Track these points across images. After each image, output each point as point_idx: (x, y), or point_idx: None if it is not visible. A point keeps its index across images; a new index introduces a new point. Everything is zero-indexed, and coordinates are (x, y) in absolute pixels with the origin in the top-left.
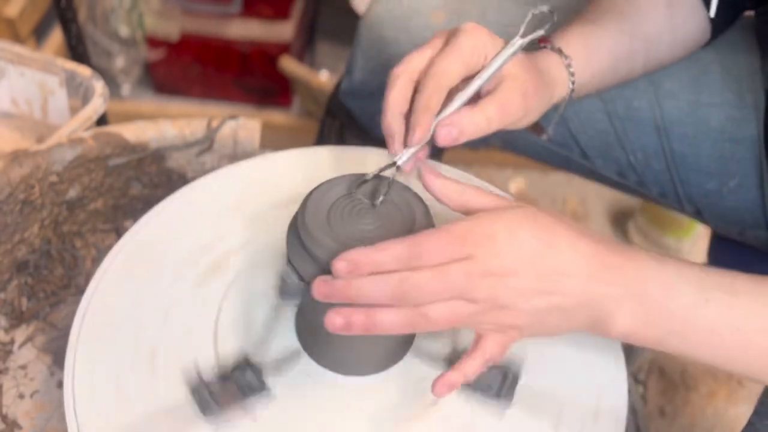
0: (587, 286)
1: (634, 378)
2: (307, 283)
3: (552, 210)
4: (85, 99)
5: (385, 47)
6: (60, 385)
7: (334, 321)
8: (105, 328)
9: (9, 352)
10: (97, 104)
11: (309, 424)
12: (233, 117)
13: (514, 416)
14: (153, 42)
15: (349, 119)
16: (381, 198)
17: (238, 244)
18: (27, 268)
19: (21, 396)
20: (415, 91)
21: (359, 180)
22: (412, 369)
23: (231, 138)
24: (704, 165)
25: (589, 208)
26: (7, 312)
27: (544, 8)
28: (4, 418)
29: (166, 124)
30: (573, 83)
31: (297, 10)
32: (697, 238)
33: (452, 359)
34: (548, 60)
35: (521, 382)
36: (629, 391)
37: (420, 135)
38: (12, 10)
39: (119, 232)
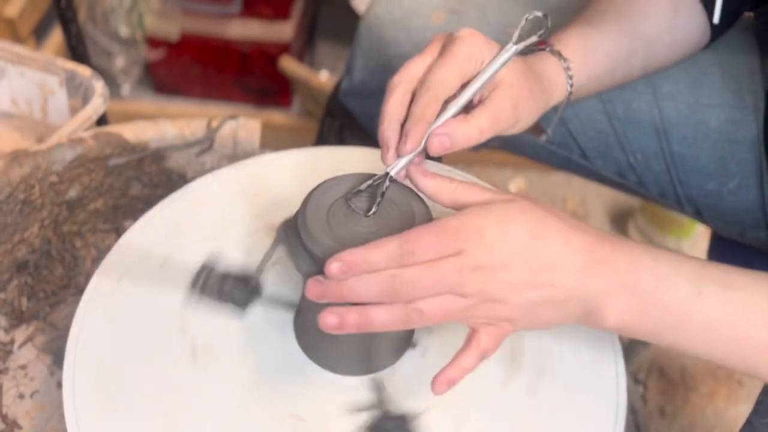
0: (579, 279)
1: (634, 378)
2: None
3: (545, 203)
4: (85, 99)
5: (385, 48)
6: (60, 385)
7: (328, 320)
8: (105, 328)
9: (9, 352)
10: (97, 104)
11: (308, 424)
12: (233, 117)
13: (514, 416)
14: (153, 42)
15: (349, 119)
16: (374, 210)
17: (238, 244)
18: (27, 268)
19: (21, 396)
20: (413, 99)
21: (353, 191)
22: (412, 368)
23: (231, 138)
24: (704, 166)
25: (589, 208)
26: (7, 312)
27: (538, 13)
28: (4, 418)
29: (166, 124)
30: (571, 86)
31: (297, 10)
32: (697, 238)
33: None
34: (546, 63)
35: (521, 382)
36: (629, 391)
37: (412, 145)
38: (12, 10)
39: (119, 232)
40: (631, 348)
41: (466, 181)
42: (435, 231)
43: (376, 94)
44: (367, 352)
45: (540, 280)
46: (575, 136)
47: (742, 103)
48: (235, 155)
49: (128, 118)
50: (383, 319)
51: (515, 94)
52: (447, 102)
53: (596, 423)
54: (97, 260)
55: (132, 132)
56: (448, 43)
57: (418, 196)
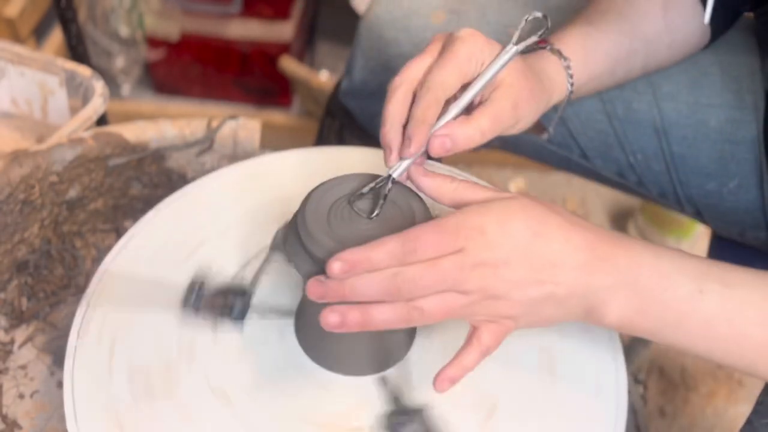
0: (580, 276)
1: (634, 378)
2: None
3: (546, 201)
4: (85, 99)
5: (385, 47)
6: (60, 385)
7: (330, 319)
8: (105, 328)
9: (9, 352)
10: (97, 104)
11: (308, 424)
12: (233, 117)
13: (513, 416)
14: (153, 42)
15: (349, 119)
16: (377, 212)
17: (238, 244)
18: (27, 268)
19: (21, 396)
20: (413, 100)
21: (356, 194)
22: (412, 368)
23: (231, 138)
24: (704, 166)
25: (589, 208)
26: (7, 312)
27: (538, 14)
28: (4, 418)
29: (166, 124)
30: (572, 85)
31: (297, 10)
32: (697, 238)
33: None
34: (547, 62)
35: (521, 380)
36: (629, 391)
37: (415, 148)
38: (12, 10)
39: (119, 232)
40: (631, 348)
41: (467, 180)
42: (436, 229)
43: (376, 94)
44: (368, 352)
45: (541, 277)
46: (575, 136)
47: (742, 103)
48: (235, 155)
49: (128, 118)
50: (385, 317)
51: (516, 94)
52: (448, 102)
53: (596, 423)
54: (97, 260)
55: (132, 132)
56: (448, 43)
57: (418, 196)
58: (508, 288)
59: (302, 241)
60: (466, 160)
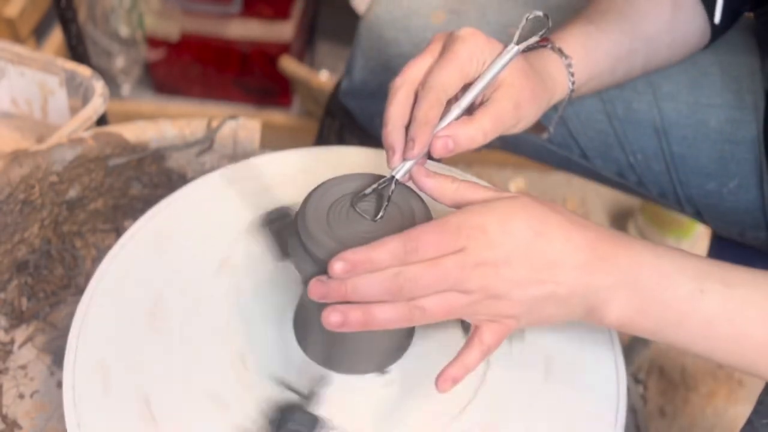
0: (580, 276)
1: (634, 378)
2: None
3: (547, 200)
4: (85, 99)
5: (385, 47)
6: (60, 385)
7: (331, 318)
8: (105, 328)
9: (9, 352)
10: (97, 104)
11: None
12: (233, 117)
13: (513, 417)
14: (153, 42)
15: (349, 119)
16: (381, 213)
17: (238, 244)
18: (27, 268)
19: (21, 396)
20: (415, 100)
21: (359, 195)
22: (411, 368)
23: (231, 138)
24: (704, 166)
25: (589, 208)
26: (7, 312)
27: (539, 13)
28: (4, 418)
29: (166, 124)
30: (573, 83)
31: (297, 10)
32: (697, 238)
33: None
34: (548, 60)
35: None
36: (629, 391)
37: (419, 149)
38: (12, 10)
39: (119, 232)
40: (631, 348)
41: (468, 180)
42: (437, 229)
43: (376, 94)
44: (368, 352)
45: (542, 277)
46: (575, 136)
47: (742, 103)
48: (235, 155)
49: (128, 118)
50: (386, 316)
51: (517, 93)
52: (449, 102)
53: (596, 423)
54: (97, 260)
55: (132, 132)
56: (449, 43)
57: (418, 196)
58: (509, 287)
59: (302, 242)
60: (466, 160)
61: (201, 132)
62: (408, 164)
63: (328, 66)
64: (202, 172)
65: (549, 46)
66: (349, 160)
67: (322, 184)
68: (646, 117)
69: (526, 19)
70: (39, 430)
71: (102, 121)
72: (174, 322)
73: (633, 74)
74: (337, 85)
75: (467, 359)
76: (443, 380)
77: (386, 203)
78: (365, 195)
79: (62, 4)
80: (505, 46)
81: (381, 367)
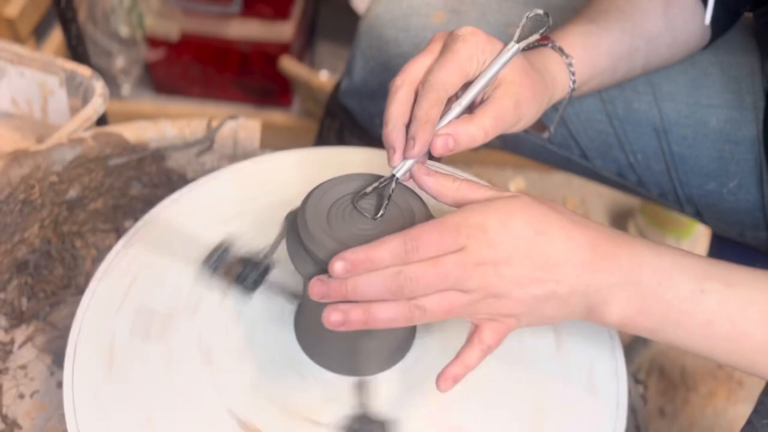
0: (581, 275)
1: (634, 378)
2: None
3: (547, 199)
4: (85, 99)
5: (385, 47)
6: (60, 385)
7: (332, 318)
8: (105, 328)
9: (9, 352)
10: (97, 104)
11: (307, 423)
12: (233, 117)
13: (513, 416)
14: (153, 42)
15: (349, 119)
16: (382, 212)
17: (237, 244)
18: (27, 268)
19: (21, 396)
20: (415, 99)
21: (359, 194)
22: (411, 368)
23: (231, 138)
24: (704, 166)
25: (589, 208)
26: (7, 312)
27: (540, 11)
28: (4, 418)
29: (166, 124)
30: (574, 82)
31: (297, 10)
32: (697, 238)
33: None
34: (548, 59)
35: (520, 383)
36: (629, 391)
37: (419, 148)
38: (12, 10)
39: (119, 232)
40: (631, 348)
41: (468, 179)
42: (437, 228)
43: (376, 93)
44: (368, 353)
45: (542, 276)
46: (575, 136)
47: (742, 104)
48: (235, 155)
49: (128, 118)
50: (387, 315)
51: (517, 92)
52: (449, 101)
53: (596, 423)
54: (97, 260)
55: (132, 132)
56: (449, 42)
57: (417, 195)
58: (509, 286)
59: (303, 242)
60: (465, 160)
61: (201, 132)
62: (408, 163)
63: (328, 66)
64: (202, 172)
65: (550, 44)
66: (349, 160)
67: (322, 184)
68: (646, 117)
69: (527, 17)
70: (39, 430)
71: (102, 121)
72: (174, 321)
73: (633, 73)
74: (337, 85)
75: (468, 358)
76: (444, 379)
77: (386, 201)
78: (366, 194)
79: (62, 4)
80: (506, 44)
81: (381, 369)
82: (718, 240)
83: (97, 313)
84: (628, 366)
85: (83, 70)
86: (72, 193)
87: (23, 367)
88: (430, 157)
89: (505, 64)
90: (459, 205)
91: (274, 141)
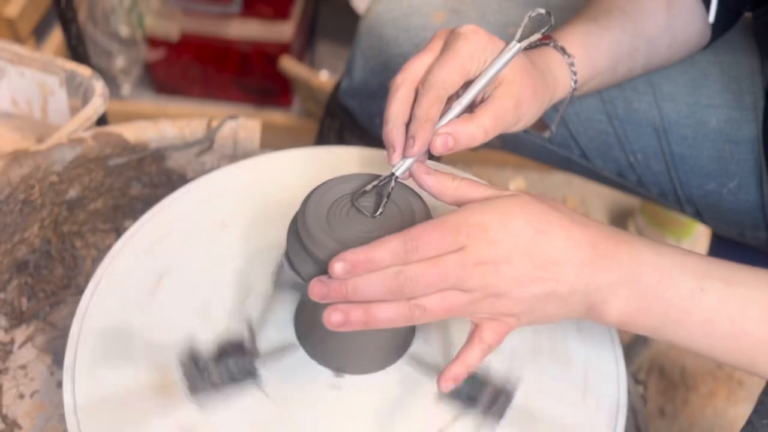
0: (581, 273)
1: (634, 378)
2: (306, 284)
3: (547, 198)
4: (85, 99)
5: (385, 47)
6: (60, 385)
7: (333, 318)
8: (104, 328)
9: (9, 352)
10: (97, 104)
11: (307, 423)
12: (233, 117)
13: (513, 417)
14: (153, 42)
15: (349, 119)
16: (381, 210)
17: (237, 244)
18: (27, 268)
19: (21, 396)
20: (415, 98)
21: (359, 192)
22: (411, 367)
23: (231, 138)
24: (704, 166)
25: (589, 208)
26: (7, 312)
27: (542, 10)
28: (4, 418)
29: (166, 124)
30: (575, 82)
31: (297, 10)
32: (697, 238)
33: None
34: (549, 58)
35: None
36: (629, 391)
37: (419, 147)
38: (12, 10)
39: (119, 232)
40: (631, 347)
41: (468, 178)
42: (437, 227)
43: (376, 93)
44: (368, 351)
45: (542, 275)
46: (575, 136)
47: (742, 104)
48: (235, 155)
49: (128, 118)
50: (387, 315)
51: (518, 91)
52: (450, 100)
53: (596, 423)
54: (97, 260)
55: (132, 132)
56: (450, 40)
57: (417, 194)
58: (509, 285)
59: (303, 242)
60: (465, 159)
61: (201, 132)
62: (408, 162)
63: (328, 66)
64: (202, 172)
65: (551, 44)
66: (349, 160)
67: (322, 184)
68: (646, 117)
69: (529, 16)
70: (39, 430)
71: (102, 121)
72: (174, 321)
73: (634, 73)
74: (337, 85)
75: (468, 358)
76: (445, 379)
77: (386, 200)
78: (366, 192)
79: (62, 4)
80: (507, 43)
81: (381, 367)
82: (718, 240)
83: (96, 313)
84: (628, 366)
85: (83, 70)
86: (72, 193)
87: (23, 367)
88: (430, 156)
89: (506, 64)
90: (459, 204)
91: (274, 141)
